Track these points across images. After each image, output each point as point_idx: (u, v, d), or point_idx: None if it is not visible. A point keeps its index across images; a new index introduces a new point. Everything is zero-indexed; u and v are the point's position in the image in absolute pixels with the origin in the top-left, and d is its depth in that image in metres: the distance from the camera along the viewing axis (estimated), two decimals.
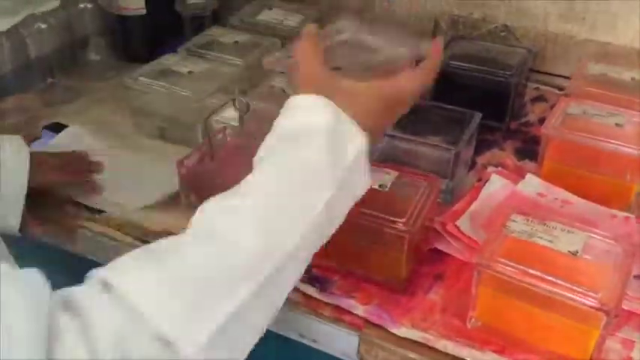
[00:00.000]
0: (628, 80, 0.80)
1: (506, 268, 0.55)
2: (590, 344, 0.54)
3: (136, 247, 0.67)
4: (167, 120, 0.83)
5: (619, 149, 0.70)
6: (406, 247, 0.60)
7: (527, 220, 0.59)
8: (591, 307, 0.52)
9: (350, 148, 0.48)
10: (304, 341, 0.62)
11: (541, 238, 0.57)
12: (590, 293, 0.52)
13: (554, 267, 0.54)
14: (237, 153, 0.76)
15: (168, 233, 0.70)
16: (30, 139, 0.71)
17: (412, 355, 0.57)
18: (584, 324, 0.54)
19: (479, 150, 0.82)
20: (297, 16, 0.98)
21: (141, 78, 0.84)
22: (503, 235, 0.58)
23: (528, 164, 0.80)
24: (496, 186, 0.74)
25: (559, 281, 0.53)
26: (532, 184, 0.73)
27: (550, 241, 0.56)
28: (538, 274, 0.54)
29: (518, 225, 0.58)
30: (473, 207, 0.71)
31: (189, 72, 0.84)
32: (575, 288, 0.52)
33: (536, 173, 0.75)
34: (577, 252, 0.55)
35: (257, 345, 0.70)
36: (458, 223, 0.68)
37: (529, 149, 0.82)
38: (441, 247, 0.67)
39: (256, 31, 0.94)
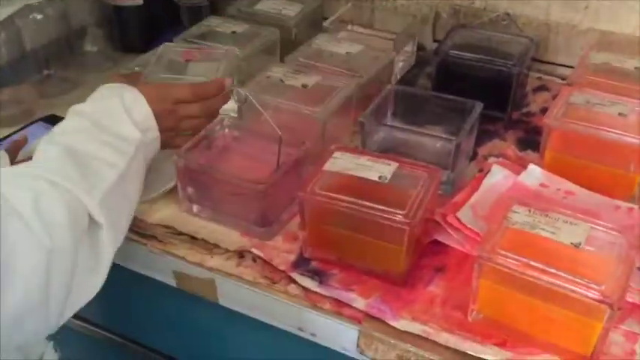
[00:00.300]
0: (631, 69, 0.79)
1: (508, 260, 0.54)
2: (592, 337, 0.53)
3: (134, 240, 0.68)
4: None
5: (622, 139, 0.69)
6: (406, 239, 0.59)
7: (530, 211, 0.58)
8: (594, 299, 0.51)
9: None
10: (303, 335, 0.62)
11: (543, 229, 0.56)
12: (593, 285, 0.51)
13: (556, 259, 0.53)
14: (235, 144, 0.76)
15: (165, 226, 0.70)
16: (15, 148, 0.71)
17: (412, 348, 0.57)
18: (587, 317, 0.53)
19: (480, 140, 0.81)
20: (297, 6, 0.96)
21: (137, 69, 0.83)
22: (504, 227, 0.57)
23: (530, 155, 0.79)
24: (497, 177, 0.73)
25: (561, 273, 0.52)
26: (534, 175, 0.72)
27: (552, 233, 0.55)
28: (540, 266, 0.53)
29: (520, 216, 0.58)
30: (474, 198, 0.70)
31: (187, 62, 0.82)
32: (577, 280, 0.52)
33: (539, 164, 0.74)
34: (580, 244, 0.54)
35: (257, 338, 0.70)
36: (459, 214, 0.67)
37: (531, 139, 0.81)
38: (441, 239, 0.66)
39: (254, 20, 0.93)
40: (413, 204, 0.60)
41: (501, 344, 0.56)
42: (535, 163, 0.74)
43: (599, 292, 0.51)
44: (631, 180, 0.70)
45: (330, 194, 0.61)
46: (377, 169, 0.63)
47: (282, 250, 0.66)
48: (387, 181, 0.62)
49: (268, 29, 0.90)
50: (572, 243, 0.54)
